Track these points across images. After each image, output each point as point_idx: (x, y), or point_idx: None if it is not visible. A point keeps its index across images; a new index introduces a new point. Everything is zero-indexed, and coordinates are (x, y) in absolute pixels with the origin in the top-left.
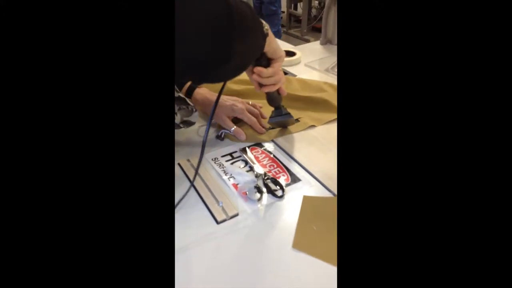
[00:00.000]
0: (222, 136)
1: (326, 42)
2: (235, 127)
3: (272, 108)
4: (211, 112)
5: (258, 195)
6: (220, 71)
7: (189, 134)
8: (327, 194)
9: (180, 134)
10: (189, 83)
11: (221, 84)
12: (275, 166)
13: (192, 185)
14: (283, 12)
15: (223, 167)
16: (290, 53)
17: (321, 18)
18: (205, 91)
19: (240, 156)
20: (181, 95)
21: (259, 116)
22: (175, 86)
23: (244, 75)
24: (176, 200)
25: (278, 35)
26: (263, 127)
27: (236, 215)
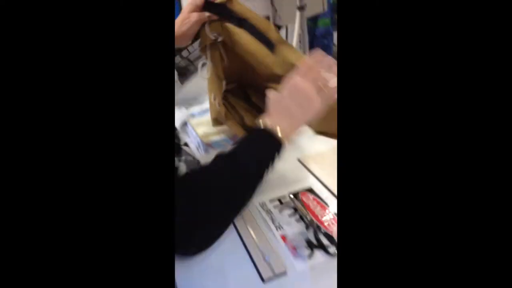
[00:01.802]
0: None
1: None
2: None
3: None
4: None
5: (308, 250)
6: None
7: None
8: None
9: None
10: None
11: None
12: (329, 218)
13: (239, 233)
14: (335, 45)
15: (271, 214)
16: None
17: None
18: None
19: (289, 202)
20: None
21: None
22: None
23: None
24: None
25: None
26: None
27: (284, 273)
